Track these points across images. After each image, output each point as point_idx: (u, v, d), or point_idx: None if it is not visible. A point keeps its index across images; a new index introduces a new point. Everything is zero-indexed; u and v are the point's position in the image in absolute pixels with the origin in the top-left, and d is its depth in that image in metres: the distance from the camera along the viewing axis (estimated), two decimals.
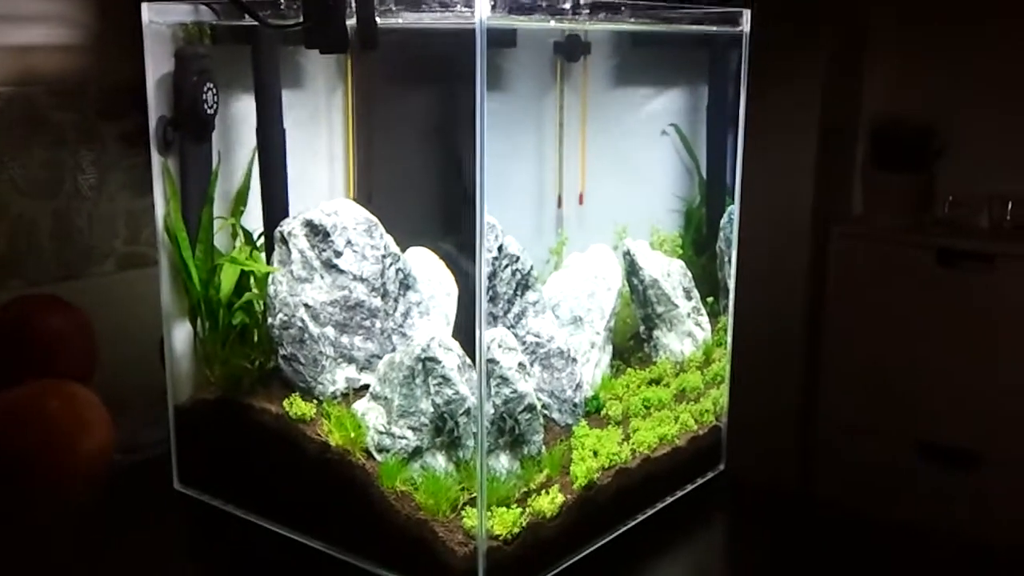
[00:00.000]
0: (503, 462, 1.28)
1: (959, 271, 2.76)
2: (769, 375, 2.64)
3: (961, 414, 2.74)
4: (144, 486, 1.56)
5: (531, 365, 1.36)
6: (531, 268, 1.38)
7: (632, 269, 1.58)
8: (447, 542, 1.23)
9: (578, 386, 1.41)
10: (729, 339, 1.62)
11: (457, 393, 1.27)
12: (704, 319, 1.63)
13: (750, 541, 1.46)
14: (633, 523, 1.45)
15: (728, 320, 1.61)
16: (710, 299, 1.65)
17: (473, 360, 1.26)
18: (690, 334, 1.60)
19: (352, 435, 1.31)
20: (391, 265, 1.40)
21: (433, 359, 1.27)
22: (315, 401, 1.37)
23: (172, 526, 1.49)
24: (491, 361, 1.25)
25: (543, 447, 1.33)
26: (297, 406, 1.36)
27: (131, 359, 1.63)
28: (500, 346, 1.26)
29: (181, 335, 1.51)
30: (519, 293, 1.37)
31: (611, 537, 1.41)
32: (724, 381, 1.62)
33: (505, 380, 1.26)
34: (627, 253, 1.58)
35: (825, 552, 1.43)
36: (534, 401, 1.29)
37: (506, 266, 1.35)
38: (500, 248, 1.34)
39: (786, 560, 1.41)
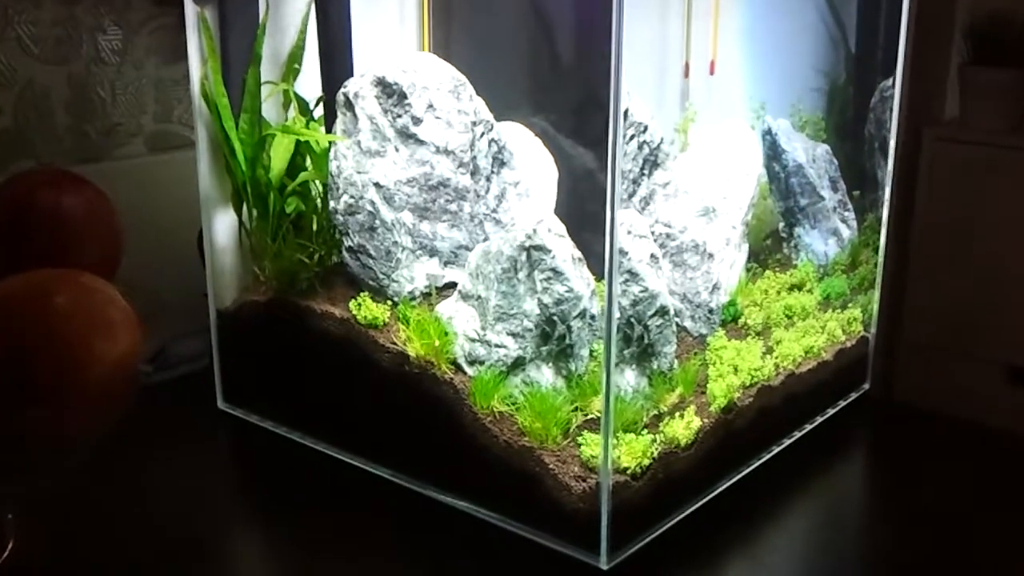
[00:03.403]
0: (629, 378, 1.02)
1: None
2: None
3: None
4: (182, 406, 1.33)
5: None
6: (661, 141, 1.10)
7: (773, 152, 1.30)
8: (559, 475, 0.98)
9: (715, 288, 1.13)
10: (883, 239, 1.34)
11: (571, 290, 1.01)
12: (850, 215, 1.35)
13: (902, 473, 1.20)
14: (774, 452, 1.19)
15: (883, 215, 1.33)
16: (856, 193, 1.36)
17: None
18: (835, 232, 1.32)
19: (437, 343, 1.05)
20: (483, 135, 1.13)
21: (540, 248, 1.00)
22: (389, 302, 1.12)
23: (216, 452, 1.26)
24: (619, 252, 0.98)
25: (675, 361, 1.07)
26: (367, 308, 1.10)
27: (166, 257, 1.38)
28: (629, 232, 0.99)
29: (224, 226, 1.26)
30: (646, 172, 1.09)
31: (750, 469, 1.15)
32: (874, 286, 1.35)
33: (634, 275, 1.00)
34: (768, 132, 1.29)
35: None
36: (667, 303, 1.02)
37: (631, 137, 1.08)
38: (625, 114, 1.06)
39: (946, 495, 1.15)
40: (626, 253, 0.99)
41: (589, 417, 1.02)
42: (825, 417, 1.29)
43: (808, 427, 1.26)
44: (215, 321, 1.29)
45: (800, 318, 1.24)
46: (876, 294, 1.36)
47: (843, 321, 1.30)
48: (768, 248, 1.33)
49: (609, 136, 0.90)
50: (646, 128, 1.07)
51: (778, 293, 1.25)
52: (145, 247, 1.36)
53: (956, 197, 1.70)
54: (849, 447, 1.28)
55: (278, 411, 1.25)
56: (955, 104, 3.12)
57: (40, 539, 1.03)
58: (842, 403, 1.33)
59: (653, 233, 1.09)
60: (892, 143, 1.34)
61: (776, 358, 1.17)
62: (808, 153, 1.31)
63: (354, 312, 1.12)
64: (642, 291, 1.00)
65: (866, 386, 1.38)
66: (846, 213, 1.35)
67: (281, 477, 1.17)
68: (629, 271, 0.99)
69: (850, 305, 1.32)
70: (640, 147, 1.07)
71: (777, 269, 1.29)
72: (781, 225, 1.33)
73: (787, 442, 1.22)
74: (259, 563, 1.08)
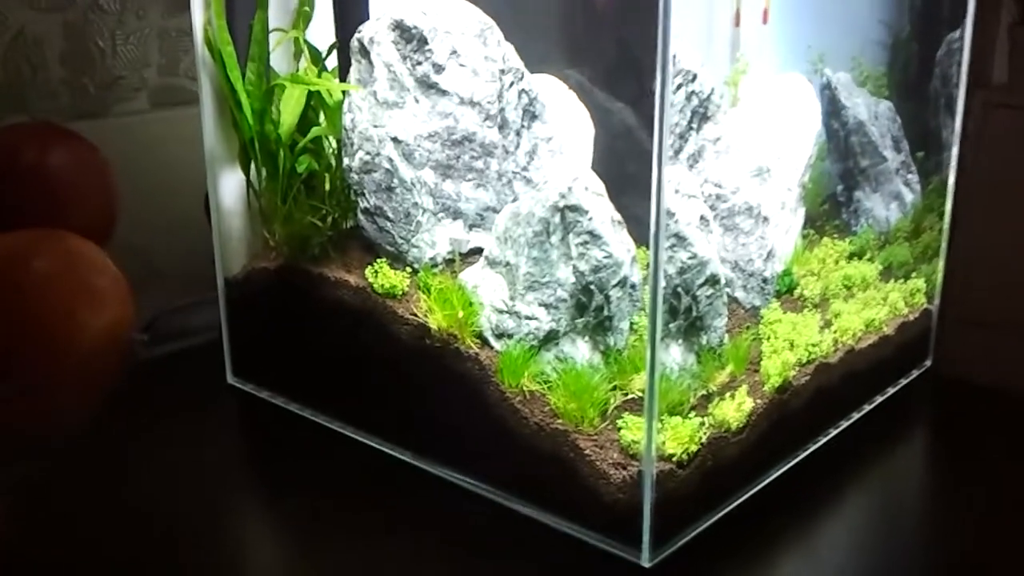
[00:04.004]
0: (675, 354, 0.92)
1: None
2: None
3: None
4: (190, 380, 1.24)
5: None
6: (712, 92, 0.99)
7: (832, 108, 1.18)
8: (596, 462, 0.88)
9: (769, 255, 1.02)
10: (949, 204, 1.22)
11: (609, 256, 0.90)
12: (914, 178, 1.23)
13: (969, 459, 1.09)
14: (831, 435, 1.08)
15: (950, 178, 1.21)
16: (919, 154, 1.24)
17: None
18: (898, 196, 1.21)
19: (460, 315, 0.95)
20: (512, 85, 1.02)
21: (576, 208, 0.90)
22: (408, 269, 1.01)
23: (225, 430, 1.16)
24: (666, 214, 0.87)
25: (726, 335, 0.96)
26: (384, 276, 1.00)
27: (171, 221, 1.29)
28: (677, 191, 0.88)
29: (231, 187, 1.16)
30: (694, 126, 0.98)
31: (805, 454, 1.05)
32: (939, 255, 1.23)
33: (682, 240, 0.89)
34: (827, 86, 1.17)
35: None
36: (717, 271, 0.92)
37: (679, 87, 0.96)
38: (672, 60, 0.95)
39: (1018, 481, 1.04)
40: (673, 215, 0.88)
41: (629, 397, 0.92)
42: (885, 397, 1.18)
43: (867, 407, 1.15)
44: (223, 290, 1.19)
45: (860, 289, 1.13)
46: (940, 263, 1.24)
47: (906, 292, 1.18)
48: (825, 213, 1.22)
49: (657, 82, 0.79)
50: (695, 77, 0.96)
51: (836, 262, 1.14)
52: (149, 210, 1.27)
53: (1007, 163, 1.58)
54: (912, 429, 1.17)
55: (290, 387, 1.15)
56: (1003, 68, 2.93)
57: (37, 522, 0.94)
58: (903, 381, 1.22)
59: (703, 193, 0.98)
60: (960, 100, 1.22)
61: (835, 332, 1.06)
62: (870, 110, 1.19)
63: (370, 280, 1.02)
64: (690, 257, 0.89)
65: (928, 363, 1.26)
66: (909, 175, 1.24)
67: (292, 457, 1.08)
68: (676, 235, 0.88)
69: (913, 275, 1.21)
70: (688, 98, 0.96)
71: (835, 236, 1.18)
72: (839, 188, 1.21)
73: (845, 424, 1.11)
74: (266, 546, 0.98)
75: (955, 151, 1.21)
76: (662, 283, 0.82)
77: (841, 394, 1.08)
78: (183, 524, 0.96)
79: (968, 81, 1.25)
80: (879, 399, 1.17)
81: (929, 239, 1.23)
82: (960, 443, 1.13)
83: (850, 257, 1.16)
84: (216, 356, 1.22)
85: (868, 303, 1.12)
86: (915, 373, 1.24)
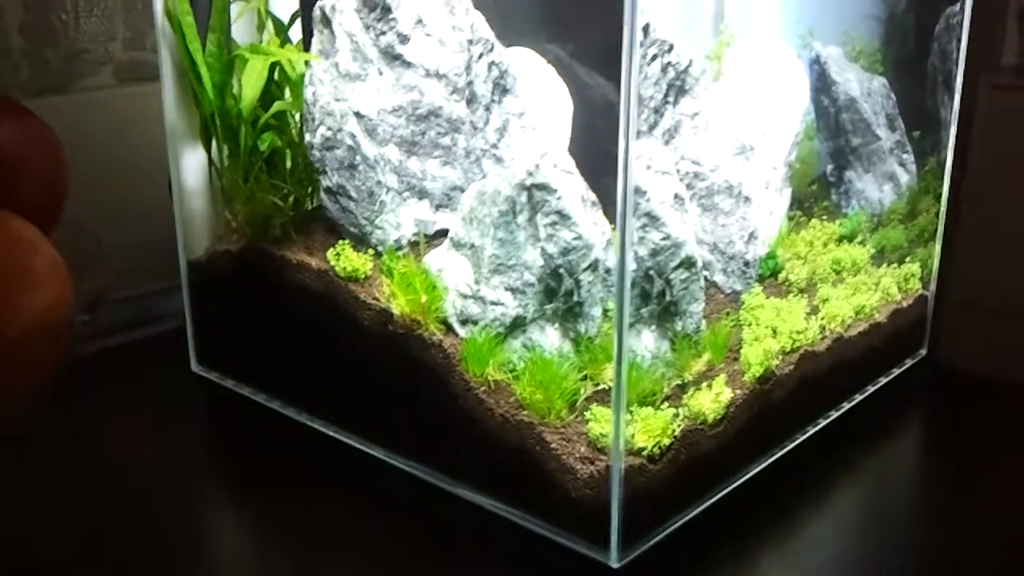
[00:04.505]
0: (647, 340, 0.87)
1: None
2: None
3: None
4: (153, 368, 1.18)
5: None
6: (690, 63, 0.93)
7: (822, 84, 1.12)
8: (563, 456, 0.83)
9: (751, 237, 0.97)
10: (946, 185, 1.16)
11: (579, 237, 0.85)
12: (909, 158, 1.18)
13: (966, 457, 1.03)
14: (817, 427, 1.03)
15: (948, 158, 1.15)
16: (916, 134, 1.19)
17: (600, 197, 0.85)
18: (892, 176, 1.15)
19: (424, 300, 0.90)
20: (481, 56, 0.97)
21: (544, 187, 0.85)
22: (371, 251, 0.96)
23: (188, 422, 1.11)
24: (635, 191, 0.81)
25: (703, 321, 0.91)
26: (346, 259, 0.95)
27: (138, 203, 1.24)
28: (649, 167, 0.83)
29: (193, 165, 1.11)
30: (671, 99, 0.92)
31: (788, 449, 0.99)
32: (935, 239, 1.17)
33: (654, 219, 0.83)
34: (816, 60, 1.12)
35: None
36: (693, 253, 0.86)
37: (654, 58, 0.91)
38: (645, 30, 0.89)
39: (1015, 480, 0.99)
40: (644, 192, 0.82)
41: (601, 388, 0.87)
42: (877, 387, 1.13)
43: (858, 398, 1.10)
44: (185, 274, 1.14)
45: (850, 273, 1.08)
46: (937, 248, 1.18)
47: (899, 278, 1.13)
48: (814, 194, 1.16)
49: (624, 51, 0.74)
50: (671, 47, 0.90)
51: (825, 245, 1.08)
52: (112, 191, 1.23)
53: (1014, 146, 1.52)
54: (904, 422, 1.11)
55: (255, 375, 1.10)
56: (1012, 50, 2.85)
57: None
58: (896, 371, 1.16)
59: (679, 171, 0.93)
60: (959, 78, 1.16)
61: (822, 319, 1.00)
62: (862, 86, 1.13)
63: (332, 263, 0.97)
64: (664, 238, 0.84)
65: (923, 351, 1.21)
66: (904, 155, 1.18)
67: (257, 450, 1.03)
68: (648, 214, 0.83)
69: (908, 259, 1.15)
70: (664, 69, 0.90)
71: (824, 218, 1.12)
72: (829, 168, 1.15)
73: (833, 416, 1.06)
74: (228, 545, 0.94)
75: (953, 131, 1.15)
76: (631, 265, 0.77)
77: (829, 385, 1.02)
78: (138, 524, 0.91)
79: (972, 61, 1.20)
80: (870, 389, 1.12)
81: (925, 222, 1.18)
82: (956, 436, 1.07)
83: (840, 240, 1.10)
84: (182, 344, 1.17)
85: (859, 288, 1.07)
86: (909, 362, 1.18)
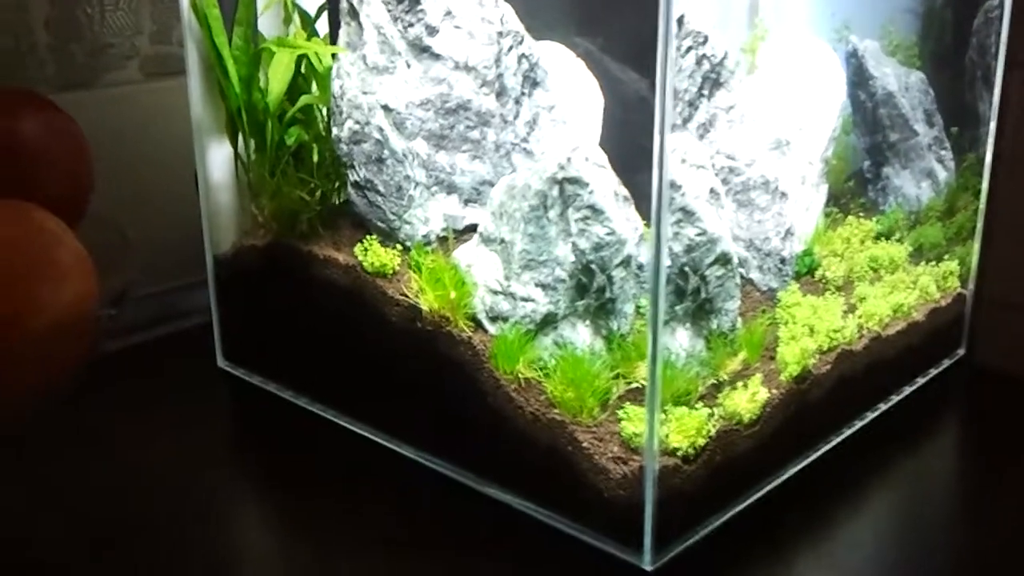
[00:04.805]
0: (681, 339, 0.85)
1: None
2: None
3: None
4: (179, 364, 1.18)
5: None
6: (725, 56, 0.91)
7: (859, 78, 1.09)
8: (595, 456, 0.81)
9: (787, 234, 0.95)
10: (985, 182, 1.13)
11: (612, 232, 0.83)
12: (947, 154, 1.15)
13: (1006, 456, 1.01)
14: (854, 429, 1.01)
15: (987, 154, 1.12)
16: (954, 129, 1.16)
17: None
18: (930, 173, 1.12)
19: (453, 296, 0.88)
20: (511, 49, 0.95)
21: (576, 181, 0.83)
22: (399, 247, 0.95)
23: (214, 418, 1.10)
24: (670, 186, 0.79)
25: (738, 319, 0.89)
26: (374, 254, 0.94)
27: (163, 198, 1.23)
28: (684, 161, 0.81)
29: (219, 159, 1.10)
30: (705, 92, 0.90)
31: (825, 450, 0.97)
32: (974, 236, 1.15)
33: (689, 215, 0.81)
34: (853, 54, 1.09)
35: None
36: (729, 249, 0.84)
37: (688, 50, 0.89)
38: (680, 21, 0.87)
39: None
40: (679, 187, 0.80)
41: (633, 386, 0.85)
42: (915, 388, 1.10)
43: (895, 399, 1.07)
44: (212, 269, 1.13)
45: (888, 271, 1.05)
46: (976, 245, 1.16)
47: (938, 276, 1.10)
48: (851, 191, 1.13)
49: (659, 43, 0.72)
50: (706, 39, 0.88)
51: (862, 242, 1.06)
52: (139, 186, 1.22)
53: None
54: (942, 423, 1.09)
55: (282, 372, 1.09)
56: None
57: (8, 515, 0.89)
58: (934, 371, 1.14)
59: (713, 166, 0.90)
60: (999, 74, 1.13)
61: (859, 318, 0.98)
62: (900, 80, 1.11)
63: (360, 258, 0.95)
64: (699, 234, 0.82)
65: (961, 351, 1.18)
66: (942, 151, 1.15)
67: (284, 447, 1.02)
68: (683, 209, 0.81)
69: (946, 257, 1.13)
70: (699, 62, 0.88)
71: (861, 215, 1.10)
72: (866, 164, 1.13)
73: (870, 417, 1.03)
74: (255, 541, 0.92)
75: (992, 126, 1.12)
76: (667, 262, 0.75)
77: (866, 385, 1.00)
78: (168, 517, 0.90)
79: (1008, 55, 1.17)
80: (908, 390, 1.09)
81: (964, 219, 1.15)
82: (995, 438, 1.05)
83: (877, 237, 1.08)
84: (208, 340, 1.16)
85: (896, 287, 1.04)
86: (947, 363, 1.16)
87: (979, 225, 1.15)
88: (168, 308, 1.25)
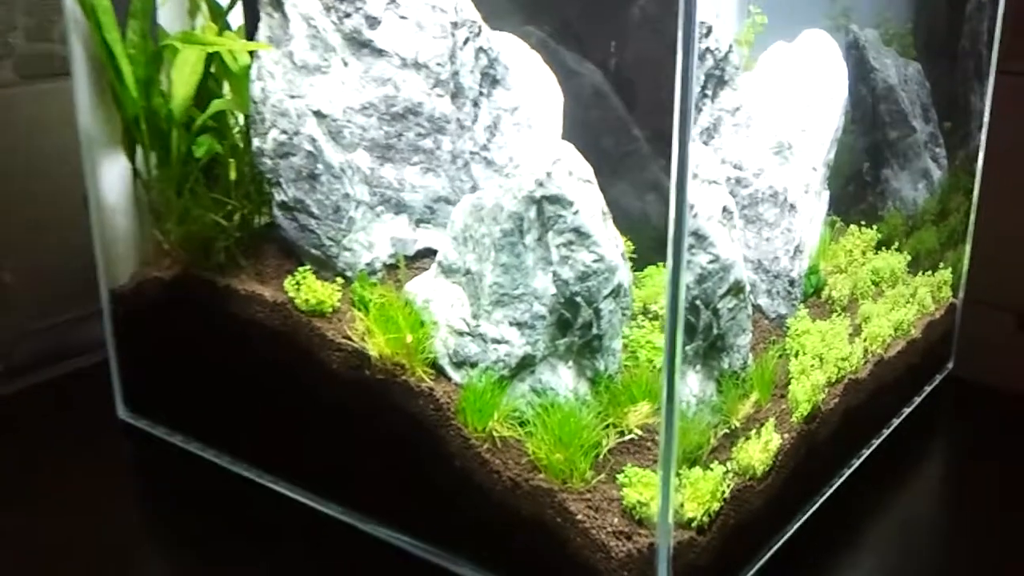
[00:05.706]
0: (692, 384, 0.72)
1: None
2: None
3: None
4: (75, 414, 1.03)
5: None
6: (730, 49, 0.78)
7: (860, 71, 0.98)
8: (591, 530, 0.68)
9: (796, 251, 0.82)
10: (977, 181, 1.03)
11: (600, 259, 0.70)
12: (941, 151, 1.05)
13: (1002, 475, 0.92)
14: (854, 465, 0.90)
15: (980, 151, 1.02)
16: (947, 124, 1.06)
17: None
18: (926, 173, 1.02)
19: (409, 339, 0.74)
20: (467, 42, 0.81)
21: (558, 200, 0.69)
22: (339, 279, 0.80)
23: (114, 477, 0.94)
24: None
25: (749, 355, 0.76)
26: (308, 289, 0.79)
27: (49, 221, 1.06)
28: (695, 176, 0.67)
29: (114, 176, 0.94)
30: (709, 93, 0.77)
31: (831, 490, 0.86)
32: (965, 241, 1.05)
33: (701, 239, 0.69)
34: (854, 45, 0.97)
35: None
36: (742, 276, 0.72)
37: None
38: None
39: None
40: (691, 207, 0.67)
41: (627, 437, 0.72)
42: (911, 409, 1.00)
43: (895, 423, 0.97)
44: (108, 304, 0.96)
45: (889, 285, 0.94)
46: (967, 249, 1.06)
47: (933, 286, 1.00)
48: (850, 196, 1.02)
49: (679, 33, 0.59)
50: (710, 30, 0.75)
51: (863, 253, 0.95)
52: (18, 206, 1.05)
53: None
54: (934, 447, 0.99)
55: (194, 425, 0.93)
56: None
57: None
58: (927, 389, 1.04)
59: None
60: (993, 62, 1.03)
61: (864, 341, 0.87)
62: (899, 73, 1.00)
63: (291, 294, 0.80)
64: (711, 261, 0.69)
65: (950, 366, 1.09)
66: (937, 149, 1.05)
67: (195, 511, 0.86)
68: (695, 233, 0.68)
69: (940, 264, 1.03)
70: (702, 56, 0.75)
71: (861, 222, 0.98)
72: (865, 166, 1.02)
73: (867, 451, 0.93)
74: None
75: (986, 120, 1.02)
76: (683, 305, 0.61)
77: (867, 414, 0.90)
78: None
79: (999, 61, 1.07)
80: (906, 411, 0.99)
81: (955, 222, 1.05)
82: (987, 456, 0.95)
83: (878, 247, 0.97)
84: (107, 382, 1.00)
85: (896, 301, 0.94)
86: (937, 379, 1.06)
87: (970, 227, 1.05)
88: (61, 345, 1.08)
